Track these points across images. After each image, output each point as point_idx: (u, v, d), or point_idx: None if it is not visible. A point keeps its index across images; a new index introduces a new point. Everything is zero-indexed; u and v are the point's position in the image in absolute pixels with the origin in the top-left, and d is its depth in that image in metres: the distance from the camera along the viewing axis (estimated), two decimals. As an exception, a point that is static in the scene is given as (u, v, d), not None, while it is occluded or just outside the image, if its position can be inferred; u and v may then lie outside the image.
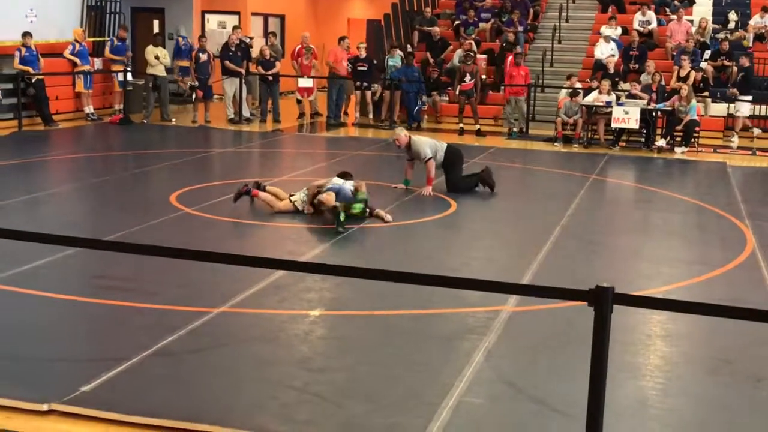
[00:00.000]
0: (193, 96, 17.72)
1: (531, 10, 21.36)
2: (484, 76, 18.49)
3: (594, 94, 16.27)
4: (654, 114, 15.95)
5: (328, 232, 8.68)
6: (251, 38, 19.76)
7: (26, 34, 15.73)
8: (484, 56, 19.57)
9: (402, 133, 10.92)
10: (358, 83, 18.30)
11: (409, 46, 19.58)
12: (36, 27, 16.48)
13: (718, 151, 15.95)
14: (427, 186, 10.72)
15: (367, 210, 9.09)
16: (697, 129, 15.78)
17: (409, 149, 10.86)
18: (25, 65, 15.65)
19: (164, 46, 18.22)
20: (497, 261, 8.21)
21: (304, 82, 18.36)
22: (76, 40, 17.02)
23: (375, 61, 18.60)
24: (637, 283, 7.24)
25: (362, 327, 6.09)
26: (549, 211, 10.11)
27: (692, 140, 15.68)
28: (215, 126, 17.11)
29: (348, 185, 9.10)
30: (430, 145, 10.87)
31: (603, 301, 3.51)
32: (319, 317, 6.15)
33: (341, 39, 18.99)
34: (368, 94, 18.43)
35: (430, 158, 10.70)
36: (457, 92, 17.74)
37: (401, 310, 6.29)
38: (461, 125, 17.41)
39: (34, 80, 15.76)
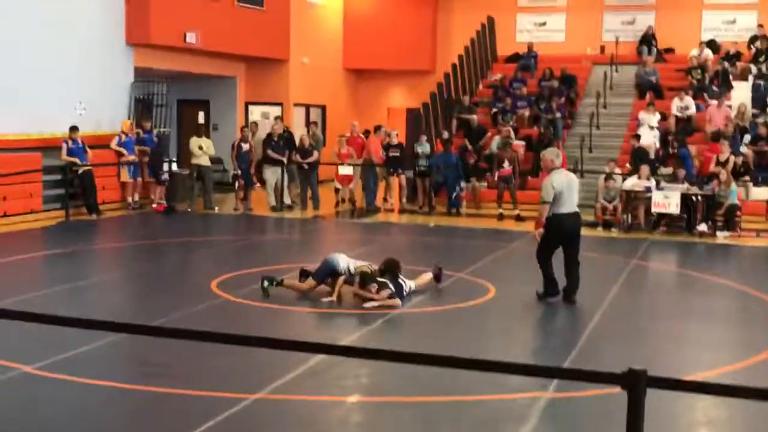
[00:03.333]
0: (235, 184, 18.05)
1: (568, 97, 21.61)
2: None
3: (633, 179, 16.28)
4: (694, 199, 15.89)
5: (366, 317, 8.71)
6: (286, 129, 20.19)
7: (73, 128, 16.26)
8: (522, 143, 19.75)
9: (553, 158, 9.43)
10: (390, 169, 18.56)
11: (446, 132, 19.84)
12: (85, 119, 17.03)
13: (760, 235, 15.79)
14: (535, 229, 9.59)
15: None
16: (738, 213, 15.67)
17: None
18: (71, 157, 16.13)
19: (209, 137, 18.67)
20: (537, 346, 8.16)
21: (343, 170, 18.63)
22: (122, 132, 17.53)
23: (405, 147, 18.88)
24: (679, 369, 7.12)
25: (399, 413, 6.06)
26: (590, 295, 10.03)
27: (734, 224, 15.55)
28: (257, 213, 17.37)
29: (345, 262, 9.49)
30: (556, 185, 9.17)
31: (636, 384, 3.49)
32: (356, 403, 6.14)
33: (377, 128, 19.49)
34: (401, 179, 18.65)
35: (545, 203, 9.22)
36: (496, 178, 17.90)
37: (439, 396, 6.26)
38: (500, 211, 17.50)
39: (81, 171, 16.22)
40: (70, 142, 16.18)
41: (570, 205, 9.27)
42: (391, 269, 9.40)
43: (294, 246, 14.78)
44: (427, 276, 10.00)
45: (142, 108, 19.05)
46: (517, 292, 10.38)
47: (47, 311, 6.15)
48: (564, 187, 9.20)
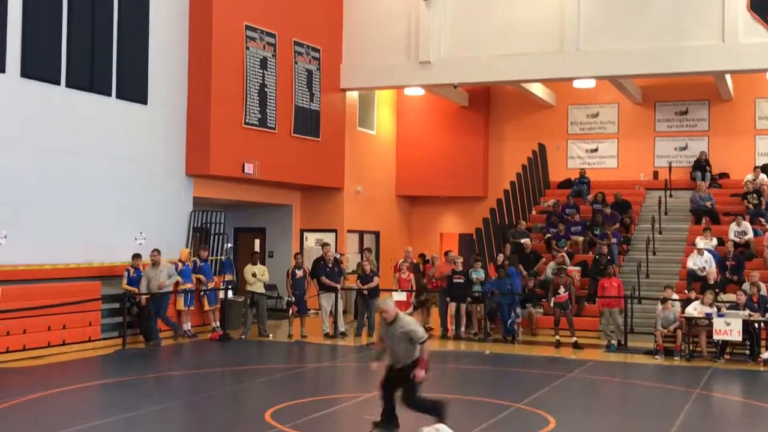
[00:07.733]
0: (289, 311, 18.12)
1: (622, 222, 21.54)
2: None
3: (695, 305, 15.91)
4: (757, 326, 15.48)
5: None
6: (342, 255, 20.40)
7: (136, 256, 16.56)
8: (578, 268, 19.60)
9: (391, 306, 9.17)
10: (449, 297, 18.51)
11: (501, 257, 19.80)
12: (145, 248, 17.33)
13: (829, 362, 15.24)
14: (420, 369, 8.88)
15: None
16: (804, 340, 15.21)
17: (391, 324, 9.05)
18: (131, 285, 16.37)
19: (264, 263, 18.84)
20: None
21: (399, 296, 18.58)
22: (179, 260, 17.79)
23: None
24: None
25: None
26: (652, 428, 9.73)
27: (800, 352, 15.07)
28: (311, 341, 17.32)
29: None
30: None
31: None
32: None
33: (446, 253, 19.69)
34: (463, 306, 18.51)
35: (426, 340, 8.99)
36: (552, 304, 17.69)
37: None
38: (557, 338, 17.23)
39: (138, 299, 16.43)
40: (131, 270, 16.45)
41: None
42: None
43: (349, 374, 14.65)
44: None
45: (200, 236, 19.39)
46: (578, 423, 10.10)
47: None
48: None
